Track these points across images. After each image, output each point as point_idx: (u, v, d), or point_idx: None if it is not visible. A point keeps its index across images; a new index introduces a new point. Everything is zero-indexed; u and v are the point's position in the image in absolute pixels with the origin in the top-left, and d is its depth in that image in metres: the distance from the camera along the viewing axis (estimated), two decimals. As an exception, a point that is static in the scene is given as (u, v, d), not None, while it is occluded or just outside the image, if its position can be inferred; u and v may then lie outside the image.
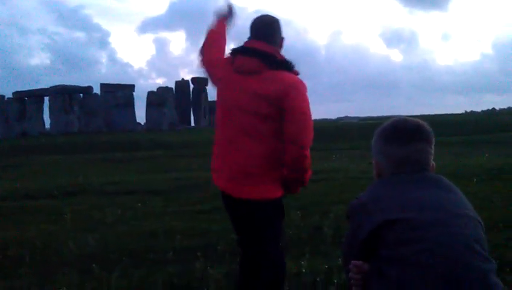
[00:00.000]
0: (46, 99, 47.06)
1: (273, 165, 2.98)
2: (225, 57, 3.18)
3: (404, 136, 1.90)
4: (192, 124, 50.71)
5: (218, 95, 3.18)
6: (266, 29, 3.00)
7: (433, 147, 1.93)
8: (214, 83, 3.26)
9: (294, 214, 6.83)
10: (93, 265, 4.89)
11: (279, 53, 3.00)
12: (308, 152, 2.94)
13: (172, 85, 50.48)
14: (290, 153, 2.90)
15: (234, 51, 3.06)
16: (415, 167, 1.87)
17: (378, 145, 1.96)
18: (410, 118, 1.97)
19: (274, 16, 3.09)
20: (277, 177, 3.02)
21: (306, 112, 2.89)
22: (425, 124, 1.95)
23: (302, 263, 4.67)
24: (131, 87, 48.23)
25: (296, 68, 3.01)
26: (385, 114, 52.15)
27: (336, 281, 4.17)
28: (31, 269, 5.04)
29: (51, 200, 9.85)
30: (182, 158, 20.65)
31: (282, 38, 3.07)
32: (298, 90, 2.88)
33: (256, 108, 2.89)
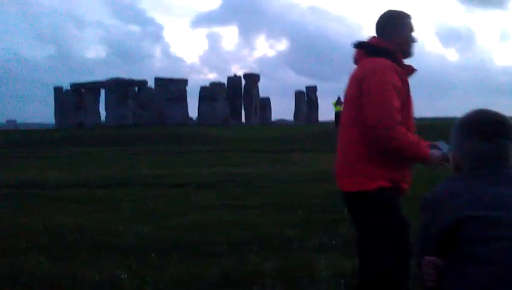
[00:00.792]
0: (102, 91, 48.30)
1: (369, 152, 2.82)
2: None
3: (485, 131, 1.80)
4: (243, 120, 50.98)
5: None
6: (379, 23, 3.02)
7: None
8: None
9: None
10: (152, 254, 4.97)
11: (380, 42, 2.96)
12: (393, 133, 2.72)
13: (223, 80, 50.86)
14: (371, 136, 2.77)
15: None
16: (495, 163, 1.78)
17: (457, 139, 1.87)
18: (493, 111, 1.85)
19: (396, 10, 3.05)
20: (375, 166, 2.82)
21: (379, 93, 2.76)
22: (508, 118, 1.84)
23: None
24: (185, 81, 48.88)
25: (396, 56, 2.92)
26: (440, 115, 50.84)
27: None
28: (90, 255, 5.17)
29: (105, 190, 10.08)
30: (232, 153, 20.77)
31: (396, 32, 2.97)
32: (374, 72, 2.81)
33: (352, 95, 2.91)
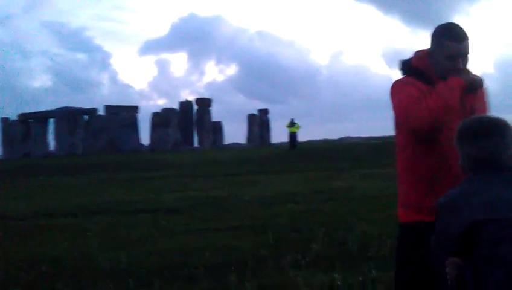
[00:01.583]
0: (51, 121, 47.39)
1: (409, 179, 2.64)
2: None
3: (473, 135, 1.99)
4: (196, 144, 50.93)
5: None
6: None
7: (508, 140, 1.96)
8: None
9: (318, 230, 7.00)
10: (130, 280, 5.04)
11: (415, 59, 2.72)
12: (409, 116, 2.50)
13: (174, 106, 50.81)
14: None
15: None
16: (492, 164, 1.94)
17: (456, 145, 2.06)
18: (482, 116, 2.05)
19: (439, 26, 2.65)
20: (414, 195, 2.61)
21: (394, 105, 2.62)
22: (497, 119, 2.01)
23: (335, 275, 4.80)
24: (136, 108, 48.60)
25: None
26: (387, 134, 51.97)
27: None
28: (67, 284, 5.19)
29: (71, 219, 9.97)
30: (189, 178, 20.78)
31: (433, 48, 2.64)
32: (391, 89, 2.70)
33: None
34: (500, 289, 1.77)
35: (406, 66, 2.73)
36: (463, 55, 2.55)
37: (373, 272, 4.79)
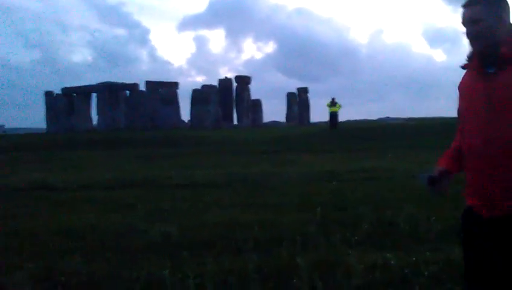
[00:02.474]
0: (93, 95, 48.23)
1: None
2: None
3: None
4: (235, 122, 51.07)
5: None
6: None
7: None
8: None
9: (364, 209, 6.91)
10: (184, 252, 5.07)
11: None
12: None
13: (213, 83, 51.00)
14: None
15: None
16: None
17: None
18: None
19: None
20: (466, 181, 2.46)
21: None
22: None
23: (388, 255, 4.72)
24: (176, 84, 48.98)
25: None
26: (427, 115, 51.05)
27: (426, 273, 4.22)
28: (121, 254, 5.26)
29: (115, 192, 10.14)
30: (230, 155, 20.84)
31: None
32: None
33: None
34: None
35: None
36: (468, 21, 2.26)
37: (427, 253, 4.69)
